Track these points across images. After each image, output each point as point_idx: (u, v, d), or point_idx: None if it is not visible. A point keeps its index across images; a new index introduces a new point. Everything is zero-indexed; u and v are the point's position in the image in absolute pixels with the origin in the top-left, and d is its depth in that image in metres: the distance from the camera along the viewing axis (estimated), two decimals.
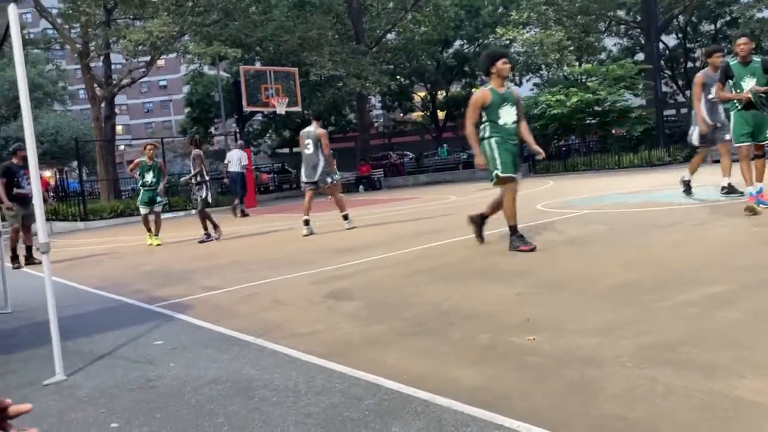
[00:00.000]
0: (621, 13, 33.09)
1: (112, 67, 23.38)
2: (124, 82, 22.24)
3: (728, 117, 6.77)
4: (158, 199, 9.82)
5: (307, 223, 8.72)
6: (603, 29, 34.75)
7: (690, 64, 36.42)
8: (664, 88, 34.03)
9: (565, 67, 29.99)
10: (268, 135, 41.99)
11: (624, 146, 24.37)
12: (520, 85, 37.07)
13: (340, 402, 2.46)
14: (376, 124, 48.70)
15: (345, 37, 29.65)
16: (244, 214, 15.03)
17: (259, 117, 36.88)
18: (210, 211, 9.63)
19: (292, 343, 3.34)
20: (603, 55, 35.39)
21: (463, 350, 2.96)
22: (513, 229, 5.57)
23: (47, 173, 28.50)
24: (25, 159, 7.79)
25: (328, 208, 10.97)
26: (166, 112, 69.35)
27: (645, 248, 5.06)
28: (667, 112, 31.96)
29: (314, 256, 6.67)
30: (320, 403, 2.46)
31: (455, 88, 40.95)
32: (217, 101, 30.33)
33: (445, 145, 35.39)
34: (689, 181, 8.21)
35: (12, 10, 3.27)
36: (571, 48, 30.59)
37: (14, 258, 8.58)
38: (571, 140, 28.55)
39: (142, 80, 26.89)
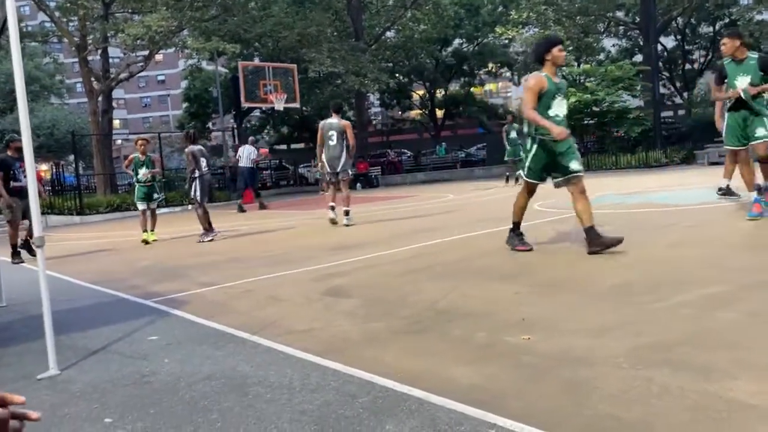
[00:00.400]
0: (620, 14, 33.10)
1: (111, 61, 23.29)
2: (122, 76, 22.17)
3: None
4: (155, 195, 9.70)
5: (332, 209, 9.09)
6: (602, 30, 34.77)
7: (688, 66, 36.48)
8: (662, 90, 34.08)
9: (564, 68, 29.98)
10: (266, 131, 41.93)
11: (621, 147, 24.40)
12: (518, 84, 37.12)
13: (334, 400, 2.45)
14: (374, 122, 48.67)
15: (344, 34, 29.59)
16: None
17: (257, 113, 36.82)
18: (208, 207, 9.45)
19: (287, 340, 3.34)
20: (602, 56, 35.41)
21: (459, 349, 2.96)
22: (516, 226, 5.46)
23: (43, 167, 28.38)
24: (19, 150, 7.60)
25: (320, 206, 10.95)
26: (164, 107, 69.19)
27: (642, 249, 5.07)
28: (664, 114, 32.01)
29: (312, 252, 6.66)
30: (315, 401, 2.46)
31: (454, 87, 40.96)
32: (215, 97, 30.27)
33: (443, 143, 35.40)
34: (728, 186, 7.51)
35: (10, 3, 3.25)
36: (570, 48, 30.59)
37: (15, 254, 8.47)
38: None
39: (140, 75, 26.76)
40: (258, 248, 7.68)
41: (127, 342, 3.65)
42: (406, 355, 2.94)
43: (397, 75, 35.47)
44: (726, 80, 6.20)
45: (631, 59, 30.45)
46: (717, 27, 34.88)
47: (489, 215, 8.75)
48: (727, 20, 33.37)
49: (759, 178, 6.20)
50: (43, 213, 8.45)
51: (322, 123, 9.33)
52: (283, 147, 42.44)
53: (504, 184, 16.16)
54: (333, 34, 28.22)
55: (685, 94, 37.13)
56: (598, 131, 26.13)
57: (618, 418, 2.07)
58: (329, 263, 5.80)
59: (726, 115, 6.29)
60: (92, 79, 21.15)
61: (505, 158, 16.44)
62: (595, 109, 24.25)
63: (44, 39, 25.19)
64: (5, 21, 3.70)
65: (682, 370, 2.41)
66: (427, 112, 41.48)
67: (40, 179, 17.52)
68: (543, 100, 5.08)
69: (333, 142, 9.00)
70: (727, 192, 7.48)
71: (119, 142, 50.34)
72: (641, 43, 27.66)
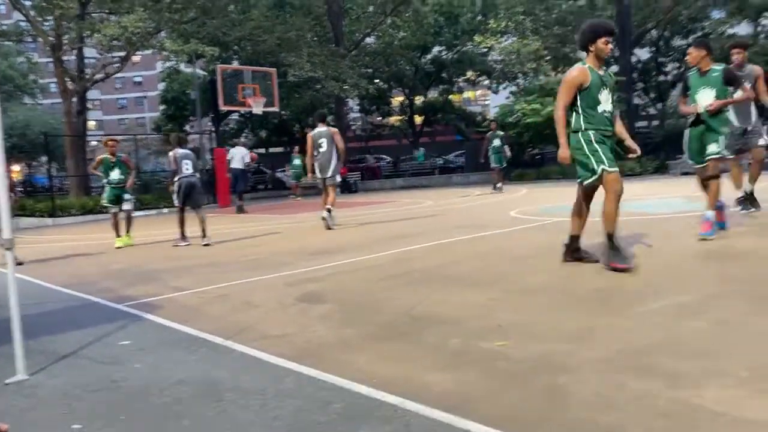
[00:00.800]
0: None
1: (86, 61, 22.92)
2: (98, 77, 21.81)
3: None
4: (126, 196, 9.47)
5: (329, 211, 9.32)
6: None
7: (662, 77, 37.16)
8: (637, 101, 34.65)
9: (542, 77, 30.34)
10: (243, 135, 41.66)
11: None
12: (496, 93, 37.43)
13: (308, 405, 2.44)
14: (353, 127, 48.64)
15: (324, 40, 29.53)
16: (241, 210, 15.60)
17: (235, 116, 36.55)
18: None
19: (262, 345, 3.31)
20: None
21: (434, 355, 2.96)
22: (610, 238, 4.57)
23: (15, 167, 27.79)
24: None
25: (300, 210, 10.92)
26: (140, 109, 68.30)
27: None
28: (638, 124, 32.53)
29: (288, 257, 6.62)
30: (288, 407, 2.44)
31: (433, 94, 41.14)
32: (193, 99, 29.97)
33: (422, 149, 35.51)
34: (745, 193, 7.13)
35: None
36: (548, 58, 30.96)
37: None
38: (546, 149, 28.86)
39: (116, 76, 26.39)
40: (234, 253, 7.61)
41: (97, 346, 3.58)
42: (380, 360, 2.94)
43: (376, 81, 35.51)
44: (689, 92, 5.94)
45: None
46: (690, 40, 35.59)
47: (467, 221, 8.80)
48: (699, 33, 34.10)
49: (722, 195, 5.92)
50: (14, 215, 8.26)
51: (311, 133, 9.73)
52: (261, 151, 42.18)
53: (491, 191, 16.25)
54: (313, 39, 28.15)
55: (659, 105, 37.80)
56: None
57: (594, 422, 2.09)
58: (305, 268, 5.77)
59: (685, 132, 6.05)
60: (67, 79, 20.79)
61: (492, 165, 16.53)
62: None
63: (19, 38, 24.72)
64: None
65: (654, 376, 2.45)
66: (406, 118, 41.61)
67: (12, 187, 17.14)
68: (589, 95, 4.60)
69: (323, 148, 9.42)
70: (748, 199, 7.06)
71: (94, 143, 49.54)
72: (617, 54, 28.08)
